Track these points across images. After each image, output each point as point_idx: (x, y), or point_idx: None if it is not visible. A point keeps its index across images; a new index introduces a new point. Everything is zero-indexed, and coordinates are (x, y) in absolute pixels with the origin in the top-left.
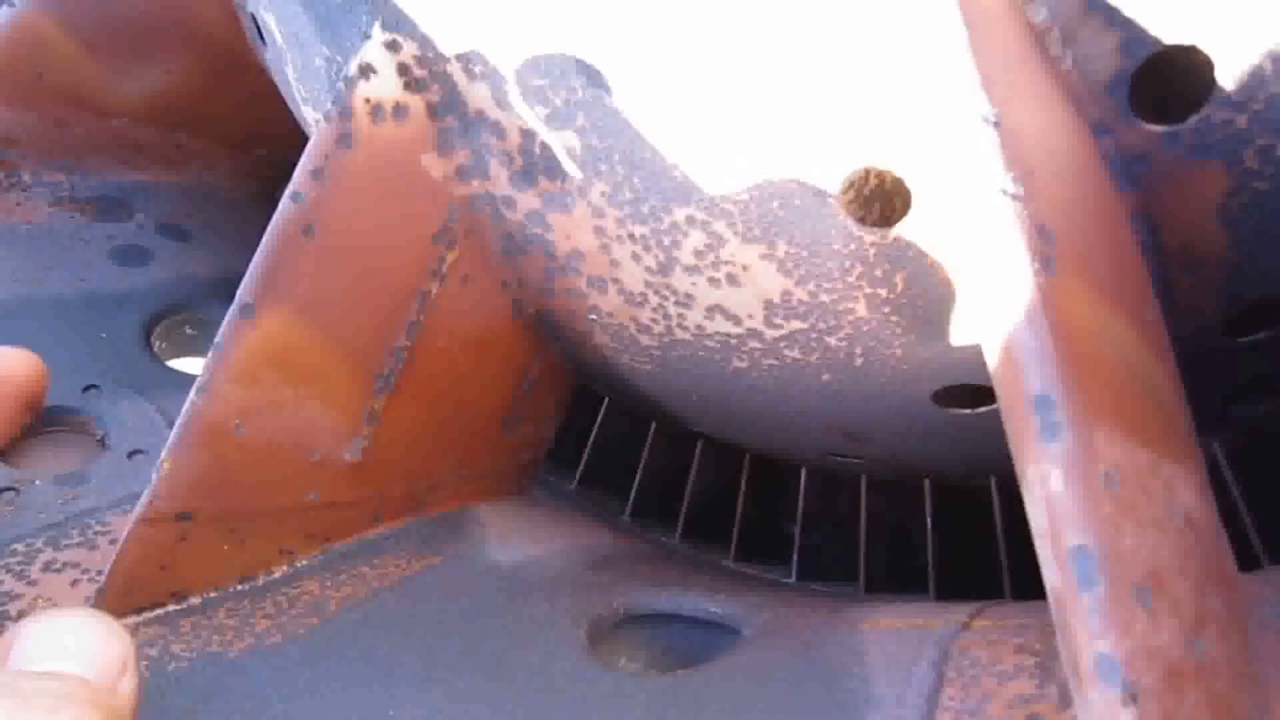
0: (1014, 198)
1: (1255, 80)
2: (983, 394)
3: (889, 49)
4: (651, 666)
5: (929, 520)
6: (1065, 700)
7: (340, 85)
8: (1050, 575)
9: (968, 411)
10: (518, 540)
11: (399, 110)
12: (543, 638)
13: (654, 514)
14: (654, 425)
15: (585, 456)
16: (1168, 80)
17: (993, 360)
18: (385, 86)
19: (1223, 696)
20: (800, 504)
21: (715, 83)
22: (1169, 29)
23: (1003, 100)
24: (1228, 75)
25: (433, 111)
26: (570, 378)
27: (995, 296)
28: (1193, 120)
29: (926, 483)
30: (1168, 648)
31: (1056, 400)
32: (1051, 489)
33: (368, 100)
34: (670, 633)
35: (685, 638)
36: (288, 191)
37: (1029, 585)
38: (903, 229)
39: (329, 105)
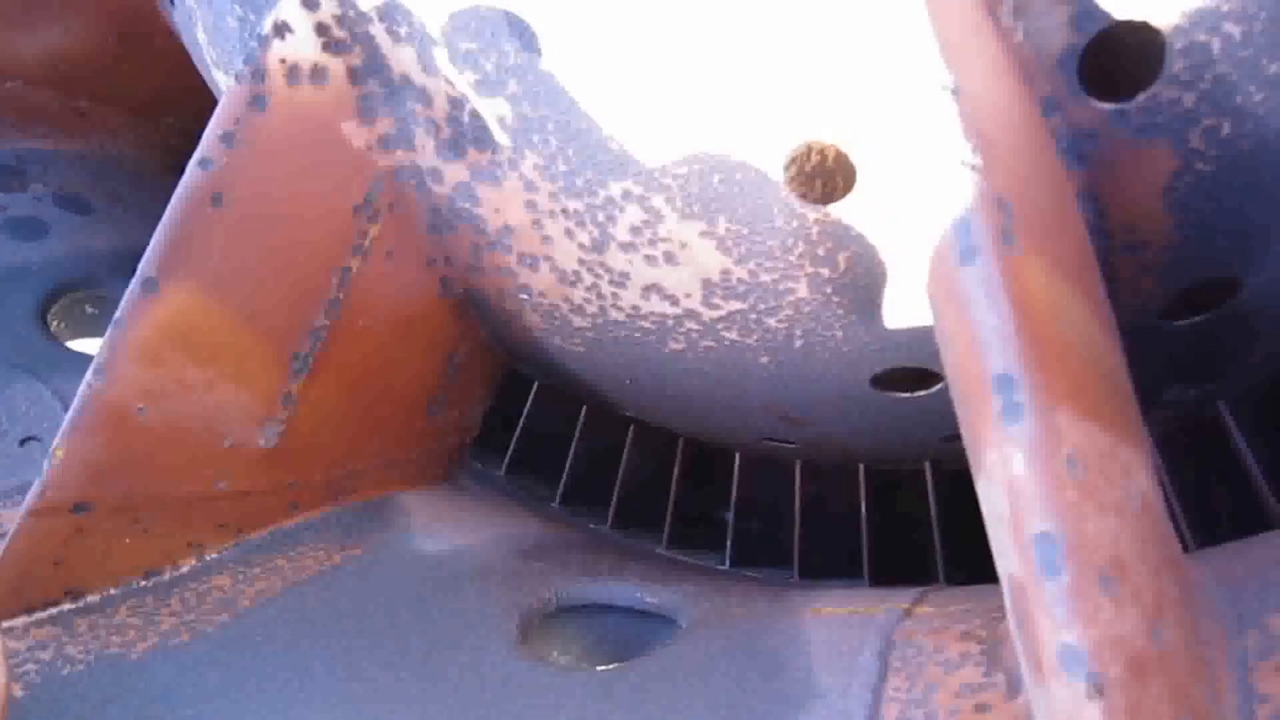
0: (973, 168)
1: (1204, 59)
2: (922, 377)
3: (838, 16)
4: (585, 659)
5: (864, 505)
6: (1013, 688)
7: (253, 44)
8: (1009, 563)
9: (906, 395)
10: (444, 529)
11: (317, 73)
12: (472, 632)
13: (584, 501)
14: (585, 409)
15: (514, 442)
16: (1118, 59)
17: (947, 340)
18: (302, 46)
19: (1182, 685)
20: (734, 489)
21: (655, 49)
22: (1121, 3)
23: (960, 69)
24: (1177, 53)
25: (354, 75)
26: (499, 360)
27: (951, 273)
28: (1141, 98)
29: (862, 467)
30: (1131, 637)
31: (1019, 380)
32: (1014, 472)
33: (283, 61)
34: (604, 624)
35: (620, 629)
36: (195, 157)
37: (961, 568)
38: (846, 207)
39: (240, 65)
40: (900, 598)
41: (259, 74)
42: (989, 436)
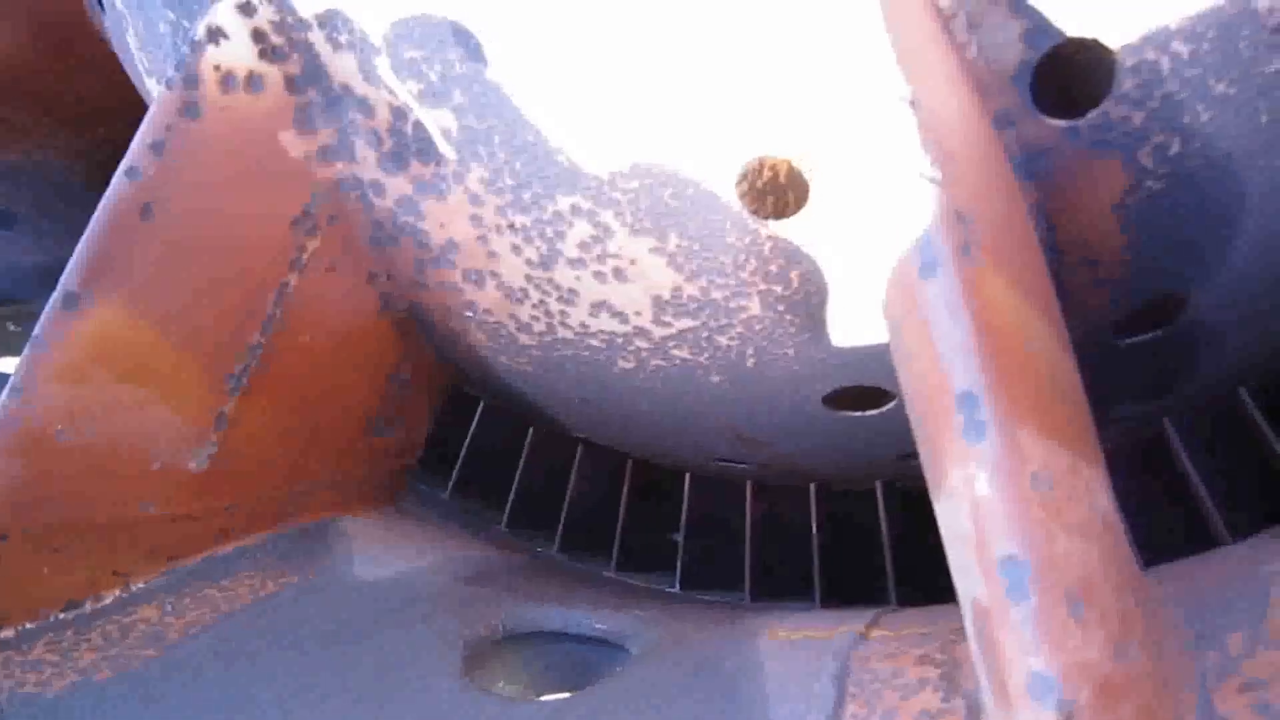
0: (932, 181)
1: (1153, 77)
2: (875, 396)
3: (792, 29)
4: (533, 688)
5: (814, 525)
6: (973, 714)
7: (185, 49)
8: (972, 585)
9: (859, 414)
10: (387, 554)
11: (253, 80)
12: (416, 662)
13: (532, 523)
14: (532, 430)
15: (459, 464)
16: (1069, 76)
17: (906, 356)
18: (237, 53)
19: (1149, 708)
20: (685, 511)
21: (605, 60)
22: (1073, 20)
23: (917, 81)
24: (1127, 71)
25: (292, 84)
26: (443, 378)
27: (911, 288)
28: (1093, 115)
29: (813, 486)
30: (1100, 661)
31: (982, 397)
32: (978, 492)
33: (217, 67)
34: (553, 651)
35: (569, 656)
36: (122, 167)
37: (913, 586)
38: (800, 222)
39: (171, 71)
40: (855, 620)
41: (191, 80)
42: (951, 455)
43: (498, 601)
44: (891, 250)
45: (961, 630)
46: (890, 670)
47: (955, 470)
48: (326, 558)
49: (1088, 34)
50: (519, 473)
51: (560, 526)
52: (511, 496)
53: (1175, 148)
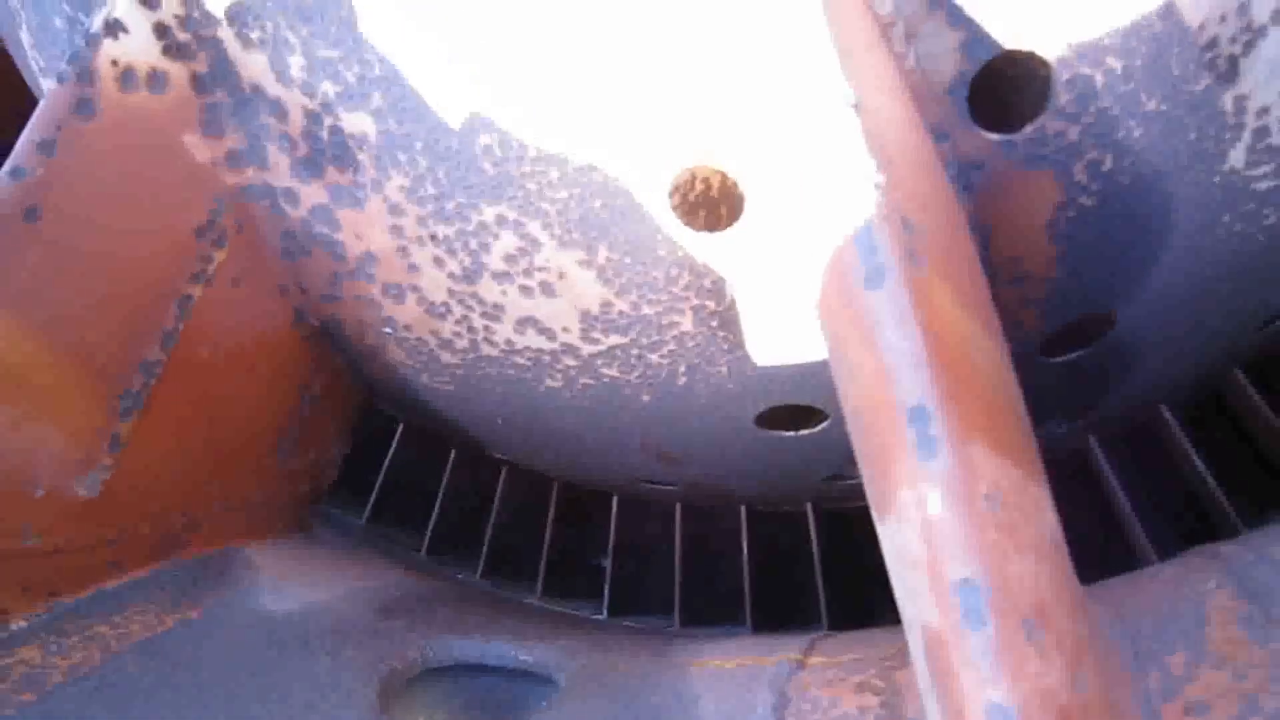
0: (876, 186)
1: (1088, 92)
2: (807, 415)
3: (728, 32)
4: None
5: (745, 547)
6: None
7: (81, 42)
8: (922, 610)
9: (790, 434)
10: (295, 585)
11: (155, 79)
12: (325, 701)
13: (453, 550)
14: (454, 452)
15: (377, 488)
16: (1004, 91)
17: (849, 370)
18: (138, 48)
19: None
20: (611, 535)
21: (533, 64)
22: (1010, 33)
23: (860, 85)
24: (1063, 85)
25: (198, 83)
26: (358, 397)
27: (855, 298)
28: (1028, 129)
29: (743, 509)
30: (1057, 688)
31: (934, 412)
32: (930, 513)
33: (115, 63)
34: (474, 685)
35: (491, 690)
36: (6, 166)
37: (842, 609)
38: (734, 235)
39: (64, 66)
40: (789, 647)
41: (86, 76)
42: (900, 474)
43: (414, 633)
44: (832, 259)
45: (900, 654)
46: (829, 700)
47: (904, 490)
48: (228, 590)
49: (1024, 47)
50: (440, 496)
51: (483, 552)
52: (432, 522)
53: (1108, 164)
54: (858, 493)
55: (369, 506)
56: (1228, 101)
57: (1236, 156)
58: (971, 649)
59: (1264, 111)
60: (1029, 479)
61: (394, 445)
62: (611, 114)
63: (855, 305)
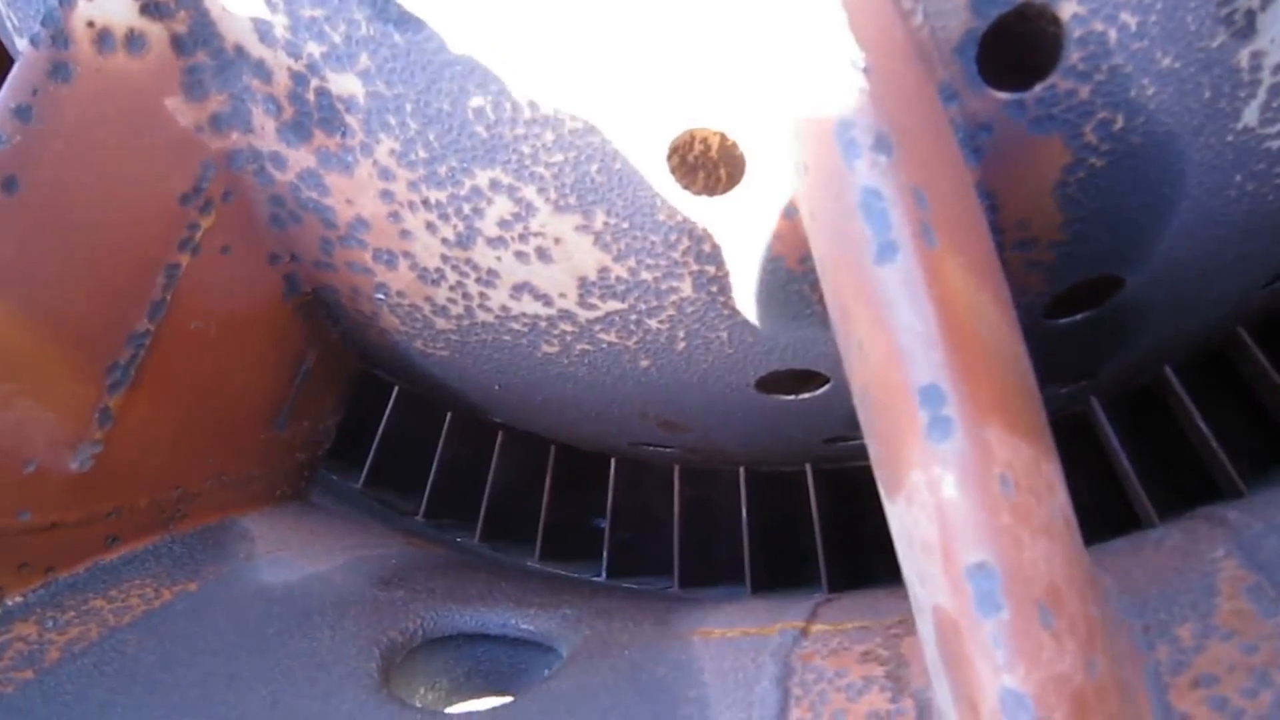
0: (888, 157)
1: (1100, 49)
2: (806, 379)
3: None
4: (456, 695)
5: (744, 509)
6: (923, 714)
7: (54, 2)
8: (934, 594)
9: (791, 398)
10: (293, 556)
11: (134, 40)
12: (326, 674)
13: (450, 513)
14: (449, 416)
15: (373, 452)
16: (1013, 50)
17: (858, 347)
18: (115, 8)
19: (1115, 717)
20: (610, 498)
21: (528, 22)
22: None
23: (869, 48)
24: (1075, 42)
25: (179, 44)
26: (353, 365)
27: (864, 272)
28: (1038, 89)
29: (742, 470)
30: (1071, 673)
31: (948, 393)
32: (944, 496)
33: (91, 24)
34: (475, 653)
35: (493, 657)
36: None
37: (841, 569)
38: (734, 199)
39: (38, 27)
40: (792, 614)
41: (61, 38)
42: (912, 454)
43: (415, 603)
44: (839, 232)
45: (905, 622)
46: (834, 670)
47: (916, 472)
48: (227, 562)
49: (1037, 1)
50: (436, 461)
51: (481, 516)
52: (429, 486)
53: (1119, 124)
54: (858, 453)
55: (365, 471)
56: (1244, 58)
57: (1250, 115)
58: (986, 635)
59: None
60: (1041, 457)
61: (389, 410)
62: (608, 74)
63: (864, 280)
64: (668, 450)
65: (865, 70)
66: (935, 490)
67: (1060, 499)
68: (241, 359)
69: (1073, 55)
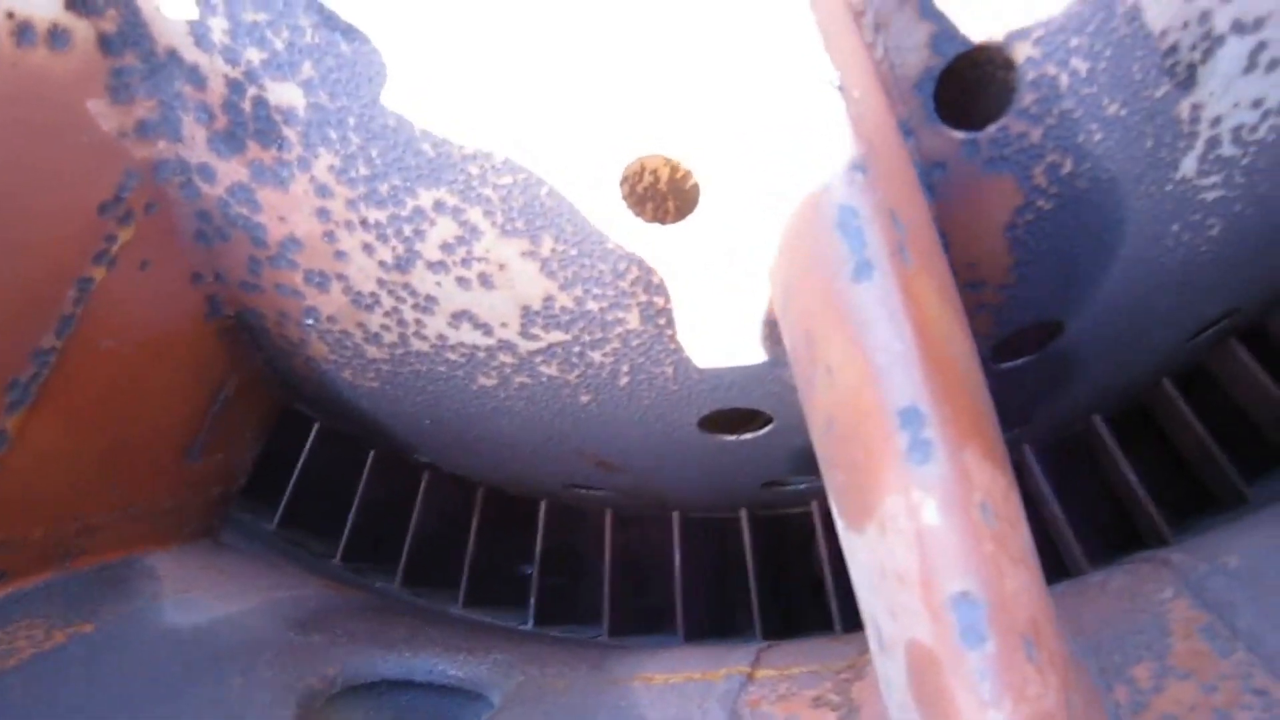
0: (862, 174)
1: (1052, 93)
2: (749, 419)
3: (691, 9)
4: None
5: (678, 555)
6: None
7: None
8: (910, 628)
9: (733, 438)
10: (202, 596)
11: (57, 35)
12: None
13: (368, 558)
14: (371, 456)
15: (289, 491)
16: (964, 91)
17: (825, 372)
18: (38, 1)
19: None
20: (539, 542)
21: (480, 35)
22: (979, 29)
23: (842, 69)
24: (1028, 85)
25: (106, 44)
26: (274, 396)
27: (837, 293)
28: (992, 129)
29: (676, 516)
30: (1054, 710)
31: (928, 414)
32: (925, 522)
33: (10, 15)
34: (399, 702)
35: (418, 706)
36: None
37: (772, 619)
38: (687, 228)
39: None
40: (735, 659)
41: None
42: (887, 480)
43: (335, 648)
44: (808, 254)
45: (854, 667)
46: (784, 716)
47: (892, 497)
48: (127, 602)
49: (993, 41)
50: (356, 502)
51: (403, 560)
52: (348, 528)
53: (1068, 167)
54: (792, 499)
55: (280, 511)
56: (1184, 109)
57: (1189, 165)
58: (970, 668)
59: (1217, 121)
60: (1010, 487)
61: (307, 447)
62: (563, 96)
63: (838, 301)
64: (600, 494)
65: (840, 89)
66: (915, 516)
67: (1027, 531)
68: (155, 383)
69: (1026, 97)
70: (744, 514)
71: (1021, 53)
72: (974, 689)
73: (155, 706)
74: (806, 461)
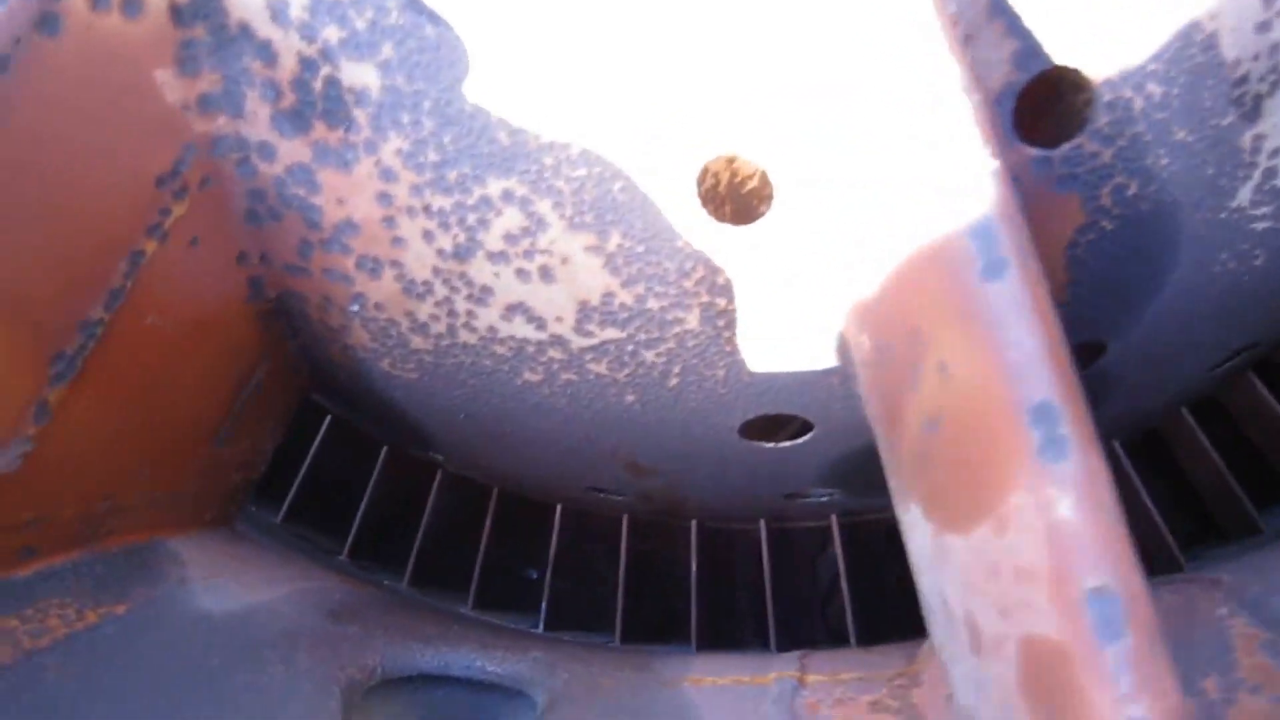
0: (994, 175)
1: (1126, 115)
2: (780, 428)
3: (796, 5)
4: None
5: (694, 563)
6: None
7: None
8: (1031, 624)
9: (770, 445)
10: (229, 584)
11: (130, 2)
12: (282, 712)
13: (373, 555)
14: (384, 452)
15: (297, 483)
16: (1038, 110)
17: (935, 370)
18: None
19: None
20: (554, 544)
21: (569, 26)
22: (1062, 49)
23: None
24: (1104, 106)
25: (177, 14)
26: (299, 386)
27: (964, 294)
28: (1066, 148)
29: (694, 524)
30: (1179, 706)
31: (1062, 411)
32: (1059, 517)
33: None
34: (434, 697)
35: (454, 702)
36: None
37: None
38: (760, 230)
39: None
40: (778, 664)
41: None
42: (1014, 477)
43: (372, 639)
44: (938, 250)
45: (904, 674)
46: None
47: (1019, 494)
48: (157, 585)
49: (1074, 63)
50: (366, 497)
51: (412, 559)
52: (356, 523)
53: (1133, 189)
54: (808, 512)
55: (286, 503)
56: (1247, 140)
57: (1244, 195)
58: (1107, 664)
59: (1276, 153)
60: (1113, 487)
61: (318, 441)
62: (648, 90)
63: (964, 299)
64: (619, 499)
65: (968, 91)
66: (1047, 512)
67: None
68: (192, 364)
69: (1101, 118)
70: (762, 525)
71: (1100, 74)
72: (1111, 684)
73: (197, 693)
74: (837, 472)
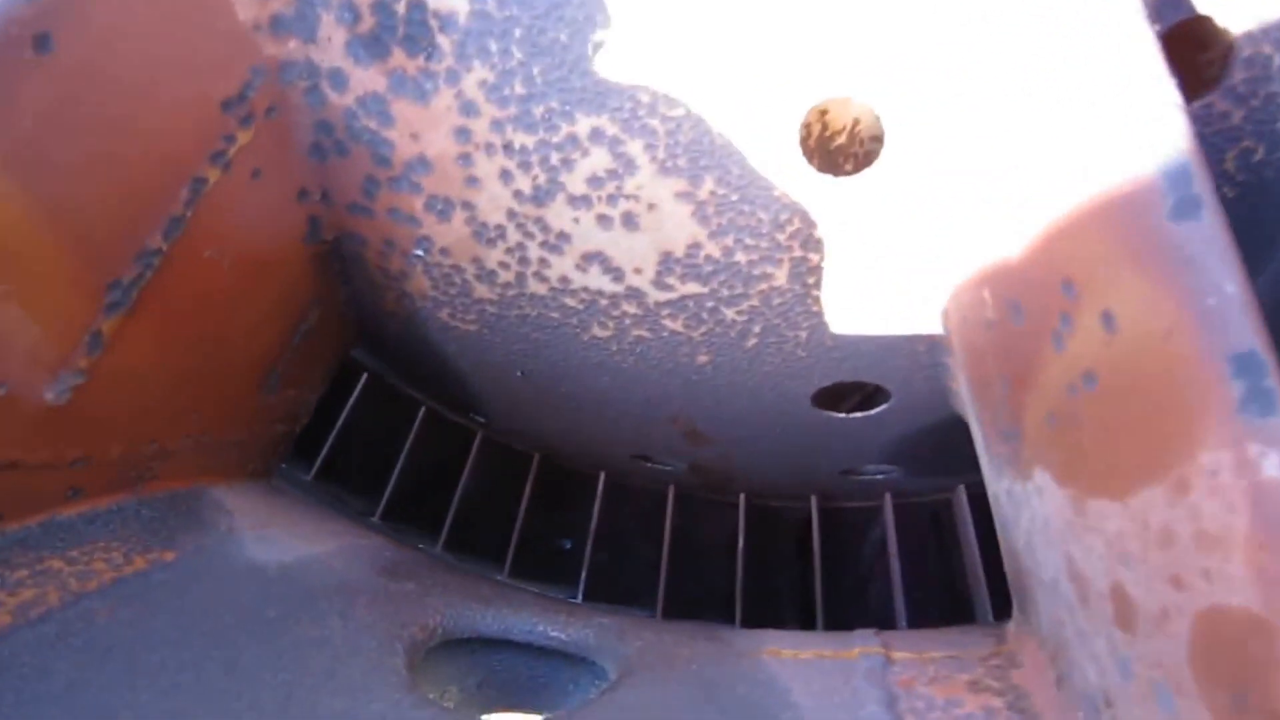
0: (1180, 109)
1: (1263, 74)
2: (863, 396)
3: None
4: (463, 705)
5: (741, 539)
6: None
7: None
8: (1220, 593)
9: (843, 415)
10: (279, 535)
11: None
12: (344, 668)
13: (405, 519)
14: (421, 414)
15: (330, 442)
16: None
17: (1104, 320)
18: None
19: None
20: (596, 513)
21: None
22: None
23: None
24: (1241, 62)
25: None
26: (347, 336)
27: (1139, 235)
28: (1196, 105)
29: (742, 498)
30: None
31: (1266, 361)
32: (1266, 476)
33: None
34: (491, 661)
35: (510, 668)
36: None
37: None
38: (868, 179)
39: None
40: (858, 641)
41: None
42: (1203, 433)
43: (431, 598)
44: (1117, 189)
45: (998, 654)
46: (945, 699)
47: (1210, 453)
48: (204, 533)
49: (1216, 15)
50: (402, 459)
51: (447, 524)
52: (391, 485)
53: (1259, 154)
54: (859, 491)
55: (318, 462)
56: None
57: None
58: None
59: None
60: None
61: (353, 399)
62: (758, 28)
63: (1145, 241)
64: (666, 468)
65: (1152, 23)
66: (1249, 472)
67: None
68: (245, 305)
69: (1237, 75)
70: (813, 501)
71: (1240, 27)
72: None
73: (253, 642)
74: (904, 447)
